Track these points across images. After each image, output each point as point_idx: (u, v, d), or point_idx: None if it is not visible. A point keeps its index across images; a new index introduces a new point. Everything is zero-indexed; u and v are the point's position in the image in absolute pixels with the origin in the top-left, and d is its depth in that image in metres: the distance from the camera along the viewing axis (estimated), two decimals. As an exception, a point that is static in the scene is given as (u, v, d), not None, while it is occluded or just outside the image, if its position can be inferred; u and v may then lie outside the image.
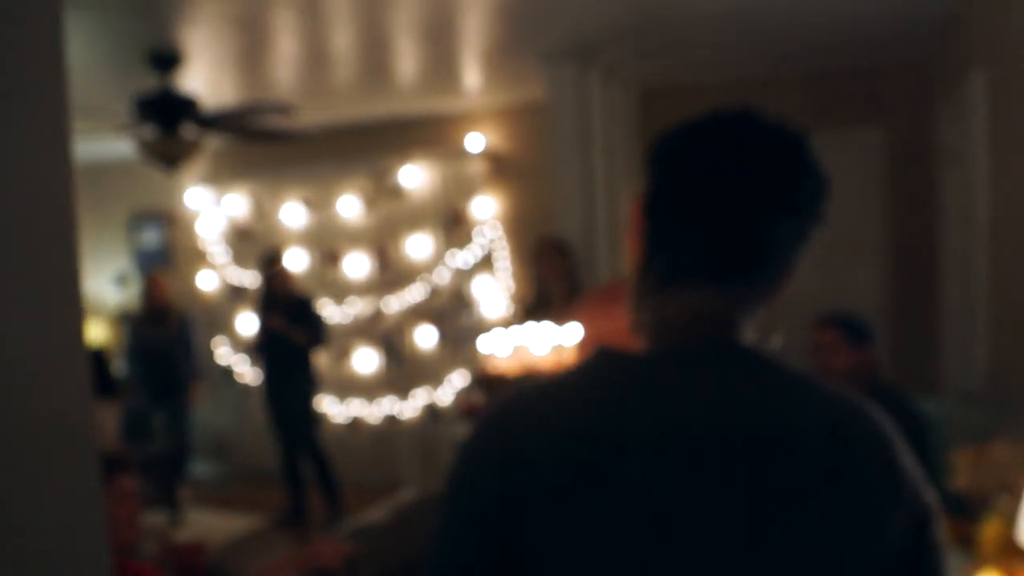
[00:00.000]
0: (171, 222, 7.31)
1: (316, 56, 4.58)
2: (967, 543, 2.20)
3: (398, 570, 2.65)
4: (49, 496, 0.91)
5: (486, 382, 2.02)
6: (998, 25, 3.36)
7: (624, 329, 2.26)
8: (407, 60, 4.84)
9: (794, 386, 0.96)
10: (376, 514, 2.79)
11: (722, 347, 0.97)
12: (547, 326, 2.16)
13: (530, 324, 2.17)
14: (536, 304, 4.45)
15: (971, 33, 3.84)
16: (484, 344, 2.09)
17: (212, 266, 7.13)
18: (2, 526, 0.86)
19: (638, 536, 0.89)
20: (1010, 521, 2.01)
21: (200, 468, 6.96)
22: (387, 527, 2.69)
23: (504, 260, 6.22)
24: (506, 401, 0.99)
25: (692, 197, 0.96)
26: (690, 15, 4.19)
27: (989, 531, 2.09)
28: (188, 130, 4.33)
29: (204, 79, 4.72)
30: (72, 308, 0.86)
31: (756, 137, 0.97)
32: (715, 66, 5.32)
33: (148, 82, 4.33)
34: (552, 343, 2.08)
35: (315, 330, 5.67)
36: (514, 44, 4.61)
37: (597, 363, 0.99)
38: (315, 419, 5.87)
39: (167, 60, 4.17)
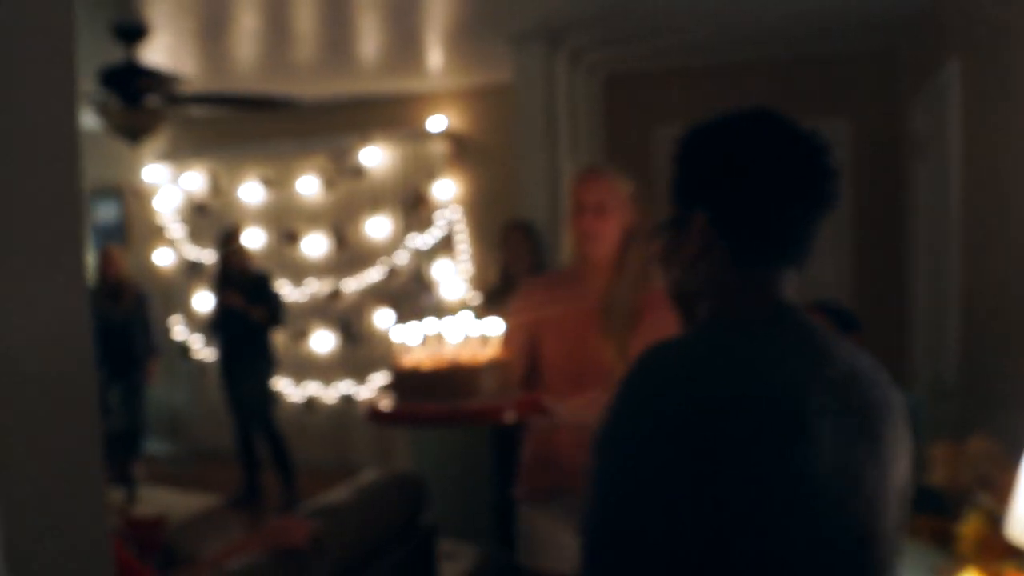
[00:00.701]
0: (128, 197, 7.19)
1: (278, 32, 4.52)
2: (946, 541, 2.12)
3: (363, 550, 2.65)
4: (54, 461, 0.92)
5: (398, 376, 1.90)
6: (973, 14, 3.32)
7: (566, 316, 2.24)
8: (370, 38, 4.80)
9: (842, 342, 1.16)
10: (339, 494, 2.78)
11: (797, 314, 1.13)
12: (465, 318, 2.04)
13: (470, 313, 2.03)
14: (500, 288, 4.44)
15: (945, 22, 3.80)
16: (397, 335, 1.95)
17: (169, 242, 7.03)
18: (7, 491, 0.87)
19: (811, 479, 1.01)
20: (990, 518, 1.96)
21: (155, 446, 6.88)
22: (352, 507, 2.68)
23: (464, 243, 6.22)
24: (657, 364, 1.05)
25: (755, 194, 1.10)
26: (657, 1, 4.21)
27: (969, 529, 2.03)
28: (152, 102, 4.27)
29: (167, 54, 4.64)
30: (77, 275, 0.86)
31: (797, 137, 1.14)
32: (680, 53, 5.34)
33: (111, 55, 4.25)
34: (472, 335, 1.97)
35: (273, 309, 5.63)
36: (481, 25, 4.58)
37: (720, 326, 1.12)
38: (271, 399, 5.83)
39: (133, 32, 4.11)
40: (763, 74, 5.42)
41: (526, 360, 2.32)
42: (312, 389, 6.67)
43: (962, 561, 2.02)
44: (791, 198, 1.10)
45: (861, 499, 1.05)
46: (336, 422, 6.61)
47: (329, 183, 6.47)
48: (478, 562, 3.40)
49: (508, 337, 2.09)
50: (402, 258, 6.33)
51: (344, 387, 6.58)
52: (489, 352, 1.91)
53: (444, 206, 6.20)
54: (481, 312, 4.43)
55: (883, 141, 5.25)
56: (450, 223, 6.22)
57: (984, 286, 3.31)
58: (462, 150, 6.19)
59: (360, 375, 6.53)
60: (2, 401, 0.85)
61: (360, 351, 6.53)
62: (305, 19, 4.32)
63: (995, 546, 1.91)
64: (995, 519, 1.91)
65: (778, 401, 1.01)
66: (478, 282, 5.99)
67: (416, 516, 3.05)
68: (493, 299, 4.44)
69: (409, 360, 1.87)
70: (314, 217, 6.56)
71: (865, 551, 1.05)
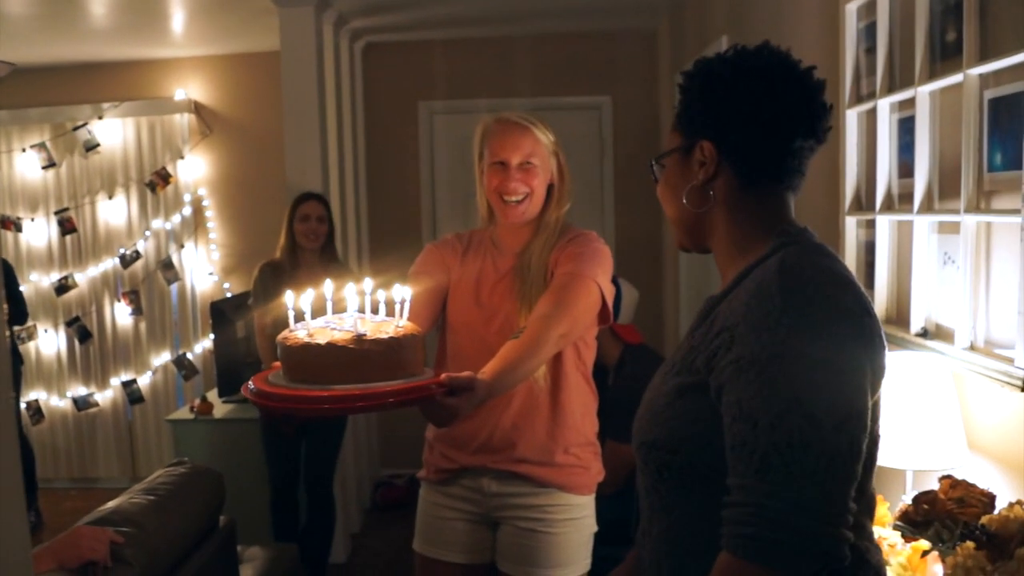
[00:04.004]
0: None
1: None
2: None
3: (171, 556, 2.27)
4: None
5: (285, 351, 1.48)
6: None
7: (480, 280, 1.98)
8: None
9: None
10: (130, 497, 2.37)
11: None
12: (369, 285, 1.63)
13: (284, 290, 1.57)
14: (286, 266, 4.00)
15: (715, 5, 4.01)
16: (290, 304, 1.54)
17: None
18: None
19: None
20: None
21: None
22: (149, 510, 2.28)
23: (214, 226, 5.69)
24: (816, 271, 1.09)
25: (761, 124, 1.21)
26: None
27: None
28: None
29: None
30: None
31: (798, 74, 1.24)
32: (445, 26, 5.21)
33: None
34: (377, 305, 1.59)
35: (18, 302, 4.91)
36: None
37: (803, 240, 1.17)
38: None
39: None
40: (528, 49, 5.43)
41: (428, 325, 2.05)
42: (40, 398, 5.84)
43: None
44: (792, 130, 1.17)
45: None
46: (70, 433, 5.84)
47: (55, 161, 5.68)
48: (275, 562, 3.04)
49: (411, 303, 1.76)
50: (143, 245, 5.70)
51: (79, 393, 5.81)
52: (400, 325, 1.52)
53: (191, 186, 5.65)
54: (261, 290, 4.03)
55: (641, 116, 5.40)
56: (198, 204, 5.67)
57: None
58: (211, 123, 5.66)
59: (97, 378, 5.81)
60: None
61: (96, 351, 5.80)
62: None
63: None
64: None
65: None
66: (256, 259, 5.50)
67: (216, 515, 2.69)
68: (275, 276, 3.99)
69: (302, 335, 1.45)
70: (36, 200, 5.74)
71: None
